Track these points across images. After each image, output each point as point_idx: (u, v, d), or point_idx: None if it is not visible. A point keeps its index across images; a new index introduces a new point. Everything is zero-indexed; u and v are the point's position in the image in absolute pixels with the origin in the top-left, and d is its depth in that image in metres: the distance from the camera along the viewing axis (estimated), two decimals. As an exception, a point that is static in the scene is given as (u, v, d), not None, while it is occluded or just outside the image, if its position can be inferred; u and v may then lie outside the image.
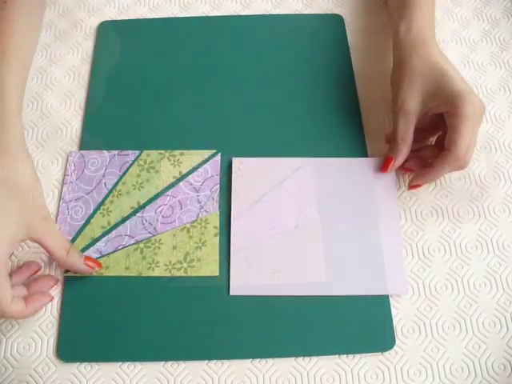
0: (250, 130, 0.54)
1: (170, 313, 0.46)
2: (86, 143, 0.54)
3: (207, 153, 0.53)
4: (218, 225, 0.49)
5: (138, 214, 0.50)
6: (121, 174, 0.52)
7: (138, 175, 0.52)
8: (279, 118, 0.55)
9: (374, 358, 0.45)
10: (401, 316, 0.46)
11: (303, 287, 0.46)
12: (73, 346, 0.45)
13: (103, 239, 0.49)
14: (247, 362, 0.44)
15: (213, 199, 0.51)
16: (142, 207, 0.50)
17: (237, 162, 0.52)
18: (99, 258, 0.48)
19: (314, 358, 0.45)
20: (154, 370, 0.44)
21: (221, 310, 0.46)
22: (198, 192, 0.51)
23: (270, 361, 0.44)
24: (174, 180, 0.52)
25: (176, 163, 0.52)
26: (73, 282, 0.47)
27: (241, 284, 0.47)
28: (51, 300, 0.46)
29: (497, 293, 0.47)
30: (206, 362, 0.44)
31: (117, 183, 0.51)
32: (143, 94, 0.57)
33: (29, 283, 0.45)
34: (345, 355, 0.45)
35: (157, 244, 0.48)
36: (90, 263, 0.46)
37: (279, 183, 0.51)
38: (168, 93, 0.57)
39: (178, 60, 0.59)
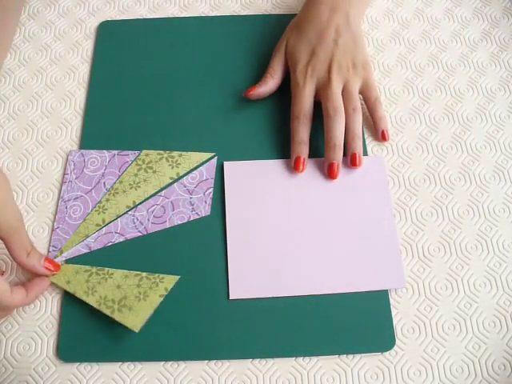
0: (250, 132, 0.54)
1: (169, 313, 0.46)
2: (85, 143, 0.54)
3: (205, 155, 0.53)
4: (169, 288, 0.45)
5: (129, 213, 0.50)
6: (120, 174, 0.52)
7: (136, 174, 0.52)
8: (280, 120, 0.55)
9: (374, 358, 0.44)
10: (401, 316, 0.46)
11: (301, 287, 0.46)
12: (73, 346, 0.45)
13: (93, 235, 0.49)
14: (247, 362, 0.44)
15: (205, 202, 0.50)
16: (136, 206, 0.50)
17: (228, 166, 0.52)
18: (83, 255, 0.48)
19: (314, 358, 0.44)
20: (154, 370, 0.44)
21: (220, 311, 0.46)
22: (191, 194, 0.51)
23: (270, 361, 0.44)
24: (171, 181, 0.51)
25: (174, 164, 0.52)
26: (73, 282, 0.47)
27: (239, 287, 0.46)
28: (50, 284, 0.46)
29: (497, 293, 0.47)
30: (206, 362, 0.44)
31: (115, 182, 0.51)
32: (143, 94, 0.57)
33: None
34: (345, 355, 0.45)
35: (107, 275, 0.46)
36: (49, 265, 0.45)
37: (273, 185, 0.51)
38: (168, 93, 0.57)
39: (178, 60, 0.59)
